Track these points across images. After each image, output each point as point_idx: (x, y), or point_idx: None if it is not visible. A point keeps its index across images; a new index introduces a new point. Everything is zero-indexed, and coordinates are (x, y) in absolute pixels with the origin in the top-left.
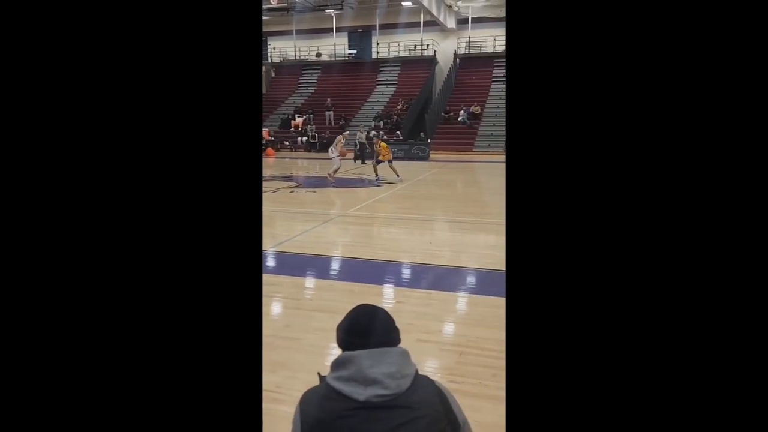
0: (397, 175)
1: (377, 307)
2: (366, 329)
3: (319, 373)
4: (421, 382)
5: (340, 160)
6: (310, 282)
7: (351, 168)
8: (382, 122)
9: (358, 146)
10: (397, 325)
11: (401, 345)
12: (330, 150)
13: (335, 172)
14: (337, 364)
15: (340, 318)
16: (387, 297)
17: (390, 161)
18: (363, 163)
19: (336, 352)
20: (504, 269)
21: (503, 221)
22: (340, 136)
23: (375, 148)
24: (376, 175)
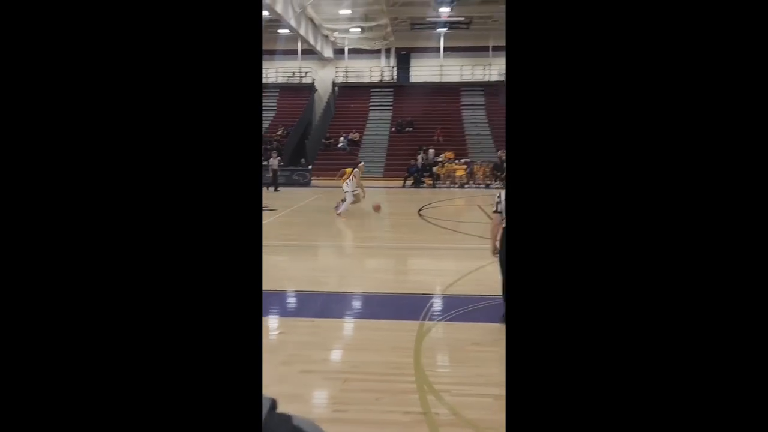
0: (341, 203)
1: None
2: None
3: None
4: (275, 421)
5: (353, 193)
6: None
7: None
8: (263, 148)
9: (271, 173)
10: (281, 357)
11: (286, 377)
12: (346, 183)
13: (348, 204)
14: None
15: None
16: (271, 328)
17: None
18: (276, 190)
19: None
20: (386, 291)
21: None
22: (357, 168)
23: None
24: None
